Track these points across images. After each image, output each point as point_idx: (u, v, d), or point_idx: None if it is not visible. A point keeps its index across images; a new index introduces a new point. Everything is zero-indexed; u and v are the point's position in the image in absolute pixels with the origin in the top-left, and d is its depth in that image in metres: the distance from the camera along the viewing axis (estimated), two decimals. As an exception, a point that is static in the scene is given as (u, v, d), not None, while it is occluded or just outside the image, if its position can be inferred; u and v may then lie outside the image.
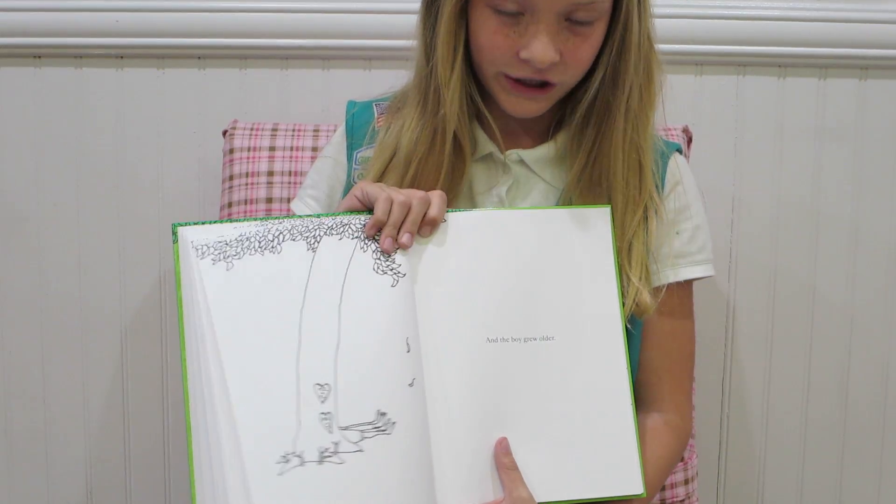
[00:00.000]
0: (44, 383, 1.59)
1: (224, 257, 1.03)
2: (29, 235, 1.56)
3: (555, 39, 1.09)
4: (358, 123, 1.23)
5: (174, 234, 1.03)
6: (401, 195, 1.06)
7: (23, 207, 1.56)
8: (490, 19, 1.10)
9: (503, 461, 1.03)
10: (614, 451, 1.07)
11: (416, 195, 1.07)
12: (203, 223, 1.06)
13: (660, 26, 1.47)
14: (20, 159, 1.55)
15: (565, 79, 1.13)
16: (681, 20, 1.51)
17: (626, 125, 1.15)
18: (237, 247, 1.03)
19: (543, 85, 1.12)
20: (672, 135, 1.47)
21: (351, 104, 1.26)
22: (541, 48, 1.08)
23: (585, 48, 1.11)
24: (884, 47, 1.52)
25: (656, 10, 1.47)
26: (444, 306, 1.06)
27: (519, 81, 1.12)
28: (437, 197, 1.08)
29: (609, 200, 1.14)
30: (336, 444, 0.99)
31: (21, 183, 1.55)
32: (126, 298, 1.58)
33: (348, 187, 1.20)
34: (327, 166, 1.25)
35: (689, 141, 1.50)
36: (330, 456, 0.98)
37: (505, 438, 1.04)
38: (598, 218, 1.11)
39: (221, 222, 1.05)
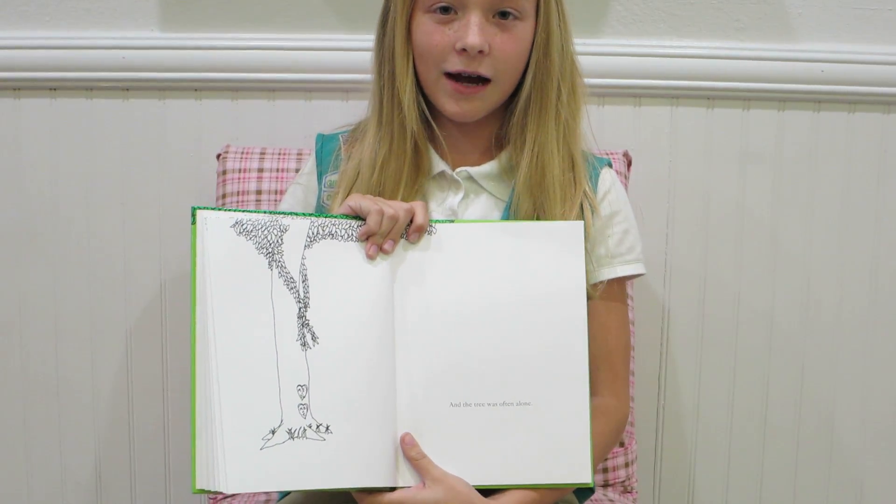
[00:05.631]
0: (57, 379, 1.63)
1: (236, 233, 1.05)
2: (45, 249, 1.60)
3: (484, 30, 1.18)
4: (325, 152, 1.29)
5: (193, 216, 1.04)
6: (390, 209, 1.10)
7: (40, 224, 1.60)
8: (427, 23, 1.19)
9: (411, 454, 1.06)
10: (568, 442, 1.09)
11: (402, 208, 1.11)
12: (219, 209, 1.08)
13: (602, 63, 1.54)
14: (38, 183, 1.59)
15: (496, 74, 1.20)
16: (621, 58, 1.57)
17: (558, 127, 1.22)
18: (248, 226, 1.06)
19: (479, 81, 1.20)
20: (614, 158, 1.51)
21: (319, 136, 1.32)
22: (472, 36, 1.17)
23: (511, 43, 1.19)
24: (799, 82, 1.58)
25: (600, 49, 1.54)
26: (418, 302, 1.10)
27: (458, 80, 1.20)
28: (420, 207, 1.12)
29: (550, 197, 1.20)
30: (310, 426, 1.03)
31: (39, 203, 1.59)
32: (131, 304, 1.61)
33: (318, 206, 1.27)
34: (300, 191, 1.30)
35: (629, 164, 1.56)
36: (312, 431, 1.02)
37: (408, 434, 1.06)
38: (571, 231, 1.14)
39: (235, 210, 1.08)
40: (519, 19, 1.20)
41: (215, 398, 1.01)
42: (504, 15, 1.19)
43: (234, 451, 1.00)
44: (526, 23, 1.20)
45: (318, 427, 1.03)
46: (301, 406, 1.02)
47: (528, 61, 1.22)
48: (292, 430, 1.02)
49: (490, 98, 1.23)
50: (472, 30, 1.17)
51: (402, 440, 1.07)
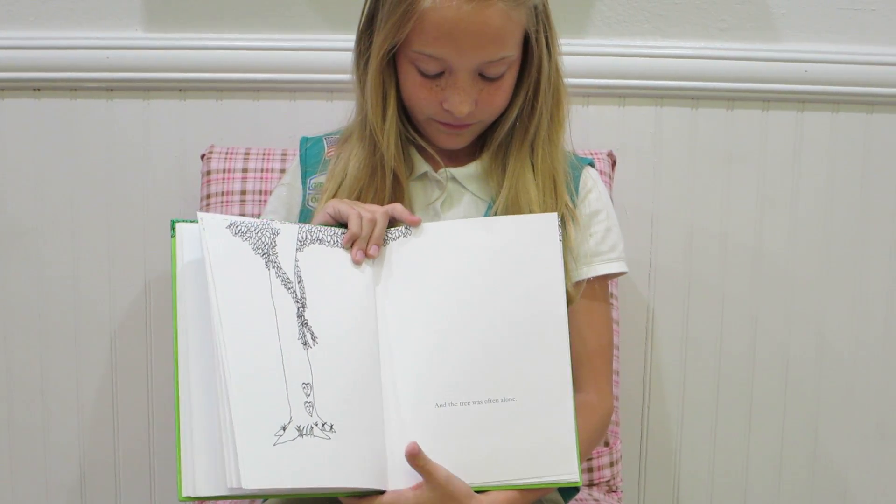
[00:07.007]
0: (42, 380, 1.63)
1: (232, 234, 1.05)
2: (29, 249, 1.60)
3: (470, 92, 1.18)
4: (310, 154, 1.31)
5: (172, 229, 1.05)
6: (367, 213, 1.12)
7: (24, 224, 1.60)
8: (414, 75, 1.19)
9: (418, 463, 1.04)
10: (554, 438, 1.09)
11: (379, 211, 1.13)
12: (210, 214, 1.08)
13: (587, 63, 1.55)
14: (22, 183, 1.59)
15: (483, 118, 1.23)
16: (606, 58, 1.58)
17: (540, 145, 1.24)
18: (242, 227, 1.07)
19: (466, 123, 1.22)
20: (598, 159, 1.53)
21: (304, 140, 1.33)
22: (458, 102, 1.18)
23: (498, 95, 1.21)
24: (783, 82, 1.59)
25: (584, 50, 1.55)
26: (398, 305, 1.11)
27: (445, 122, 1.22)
28: (397, 208, 1.14)
29: (531, 211, 1.20)
30: (316, 424, 1.03)
31: (22, 203, 1.59)
32: (115, 303, 1.61)
33: (303, 208, 1.28)
34: (284, 192, 1.31)
35: (614, 164, 1.56)
36: (318, 430, 1.03)
37: (414, 443, 1.04)
38: (546, 223, 1.15)
39: (225, 217, 1.09)
40: (504, 72, 1.20)
41: (225, 394, 1.00)
42: (489, 75, 1.20)
43: (248, 446, 0.99)
44: (512, 67, 1.21)
45: (323, 425, 1.03)
46: (307, 404, 1.03)
47: (516, 89, 1.23)
48: (301, 428, 1.02)
49: (475, 132, 1.26)
50: (460, 96, 1.18)
51: (409, 453, 1.05)
